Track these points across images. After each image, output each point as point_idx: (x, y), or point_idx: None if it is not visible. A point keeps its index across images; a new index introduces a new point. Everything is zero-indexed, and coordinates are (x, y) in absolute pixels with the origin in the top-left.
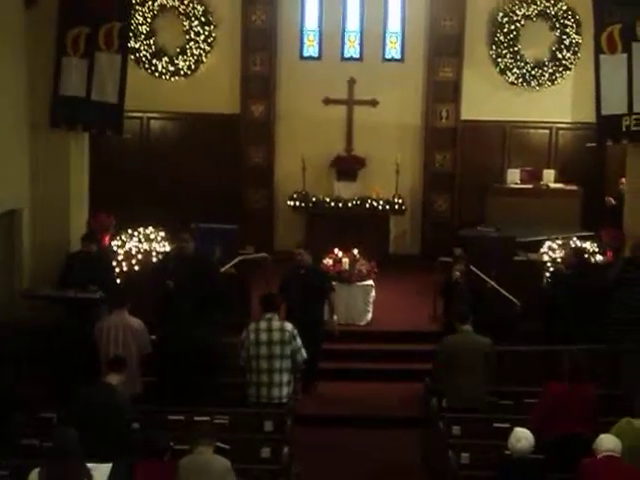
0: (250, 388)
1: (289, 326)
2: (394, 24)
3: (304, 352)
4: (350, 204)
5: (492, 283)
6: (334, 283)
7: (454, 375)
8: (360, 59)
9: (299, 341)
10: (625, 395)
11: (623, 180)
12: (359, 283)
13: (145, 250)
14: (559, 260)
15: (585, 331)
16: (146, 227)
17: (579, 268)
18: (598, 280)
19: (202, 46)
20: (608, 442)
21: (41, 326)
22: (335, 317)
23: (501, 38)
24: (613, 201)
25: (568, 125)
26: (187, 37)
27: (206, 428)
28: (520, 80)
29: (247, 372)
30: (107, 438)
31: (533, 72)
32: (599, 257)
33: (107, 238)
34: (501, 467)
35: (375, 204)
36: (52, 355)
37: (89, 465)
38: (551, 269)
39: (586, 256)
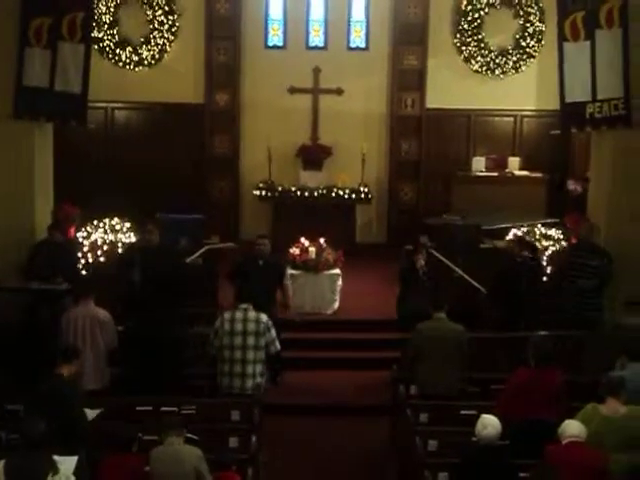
0: (223, 378)
1: (264, 317)
2: (358, 13)
3: (278, 344)
4: (316, 193)
5: (458, 271)
6: (300, 272)
7: (427, 362)
8: (325, 48)
9: (274, 332)
10: (590, 380)
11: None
12: (326, 272)
13: (111, 241)
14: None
15: (552, 318)
16: (111, 218)
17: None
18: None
19: (166, 35)
20: (572, 428)
21: (5, 317)
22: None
23: (465, 26)
24: (579, 189)
25: (532, 113)
26: (151, 27)
27: (175, 419)
28: (484, 68)
29: (219, 362)
30: (62, 431)
31: (497, 60)
32: (564, 244)
33: (72, 229)
34: (465, 454)
35: (341, 193)
36: (17, 347)
37: (55, 458)
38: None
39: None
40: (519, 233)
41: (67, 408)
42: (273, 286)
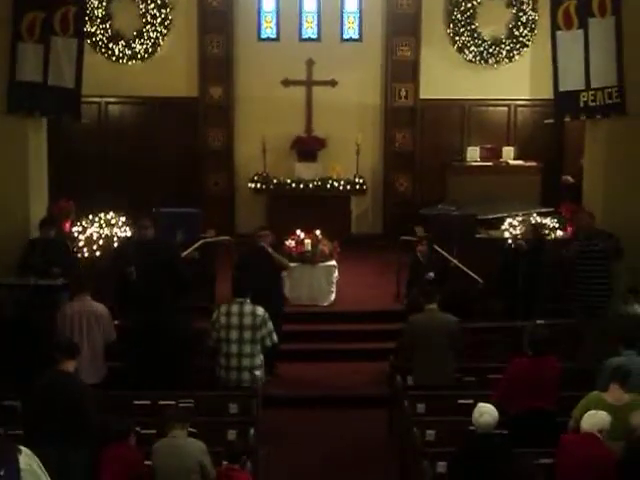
0: (220, 371)
1: (261, 310)
2: (351, 4)
3: (275, 336)
4: (311, 185)
5: (455, 261)
6: (296, 264)
7: (421, 353)
8: (318, 39)
9: (270, 325)
10: (588, 369)
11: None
12: (322, 264)
13: (106, 235)
14: (519, 236)
15: (549, 307)
16: (107, 212)
17: (537, 244)
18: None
19: (159, 29)
20: (594, 421)
21: (1, 314)
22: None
23: (458, 16)
24: (570, 179)
25: (526, 102)
26: (143, 20)
27: (181, 411)
28: (478, 58)
29: (217, 354)
30: (69, 426)
31: (490, 50)
32: (559, 232)
33: (68, 224)
34: (463, 442)
35: (336, 184)
36: (13, 343)
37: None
38: (510, 245)
39: (544, 232)
40: (515, 222)
41: (76, 403)
42: (274, 278)
